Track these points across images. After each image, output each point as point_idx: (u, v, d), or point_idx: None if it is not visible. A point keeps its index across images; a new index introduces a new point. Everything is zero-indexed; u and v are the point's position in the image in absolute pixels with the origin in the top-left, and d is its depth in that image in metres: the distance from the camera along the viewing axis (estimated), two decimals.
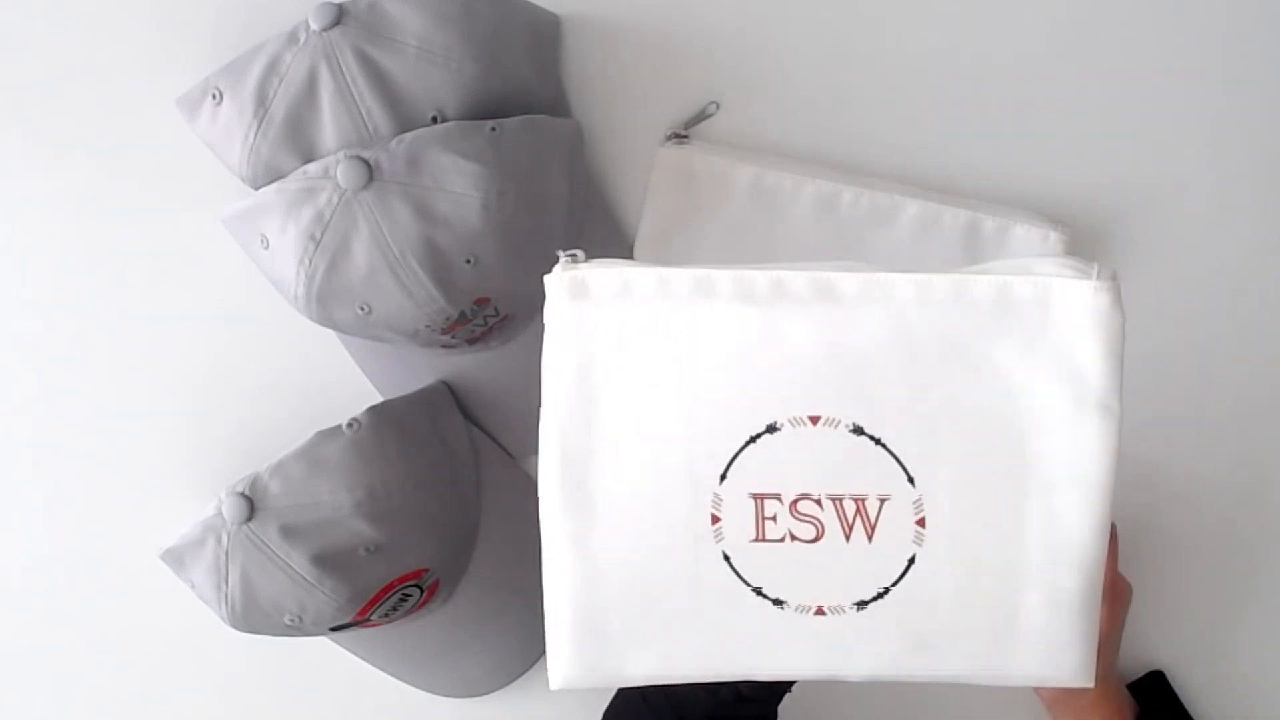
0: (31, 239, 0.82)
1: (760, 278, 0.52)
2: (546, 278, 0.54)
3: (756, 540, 0.53)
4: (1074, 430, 0.51)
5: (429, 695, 0.85)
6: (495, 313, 0.74)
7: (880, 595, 0.54)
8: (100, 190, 0.81)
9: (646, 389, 0.53)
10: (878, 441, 0.52)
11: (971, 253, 0.80)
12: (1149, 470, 0.83)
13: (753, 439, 0.53)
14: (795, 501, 0.53)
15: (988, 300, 0.51)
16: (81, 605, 0.85)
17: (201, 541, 0.73)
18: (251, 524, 0.72)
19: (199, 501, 0.82)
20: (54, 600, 0.85)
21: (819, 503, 0.53)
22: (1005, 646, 0.54)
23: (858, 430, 0.52)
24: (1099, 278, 0.51)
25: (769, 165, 0.80)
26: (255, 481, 0.72)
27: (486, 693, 0.85)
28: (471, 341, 0.77)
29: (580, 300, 0.53)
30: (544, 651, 0.83)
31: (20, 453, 0.84)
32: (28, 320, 0.82)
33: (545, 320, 0.54)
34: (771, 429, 0.52)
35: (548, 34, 0.78)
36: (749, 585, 0.54)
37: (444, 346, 0.77)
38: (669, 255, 0.80)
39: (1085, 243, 0.82)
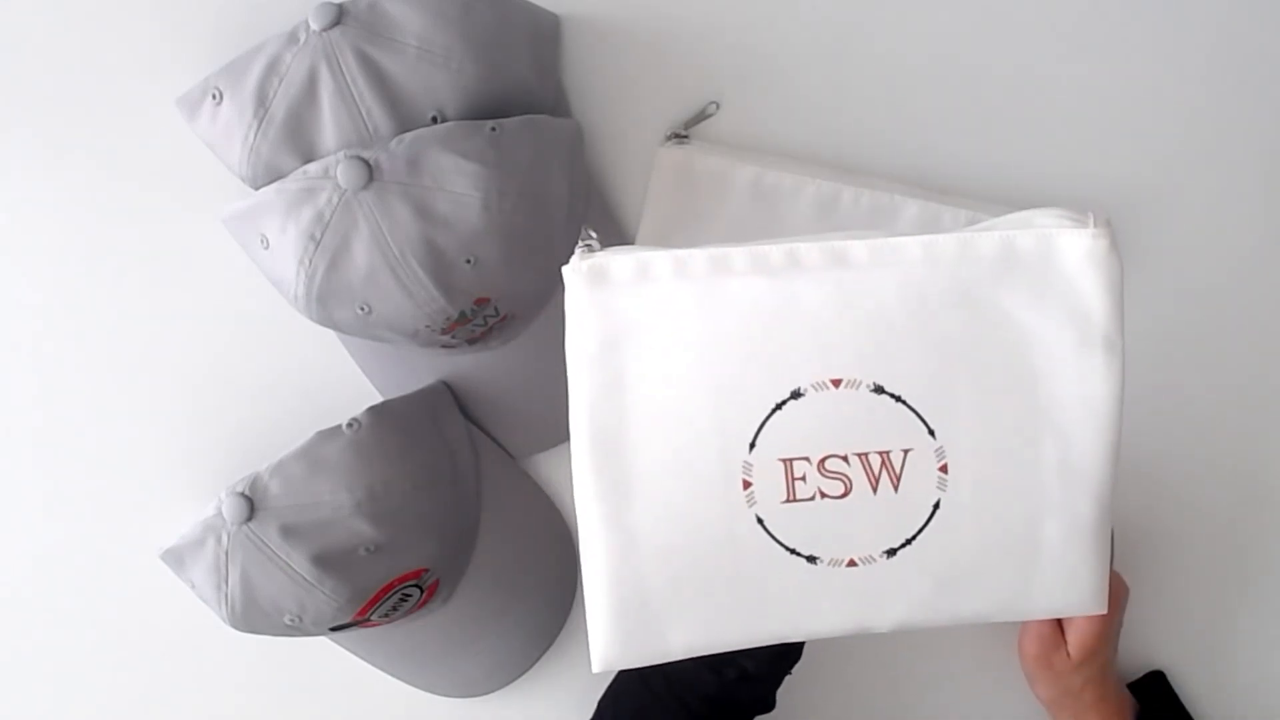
0: (31, 239, 0.82)
1: (774, 250, 0.54)
2: (565, 267, 0.55)
3: (788, 501, 0.55)
4: (1082, 367, 0.54)
5: (429, 695, 0.86)
6: (495, 313, 0.74)
7: (908, 542, 0.56)
8: (100, 190, 0.81)
9: (671, 367, 0.55)
10: (898, 398, 0.55)
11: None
12: (1149, 470, 0.83)
13: (778, 406, 0.55)
14: (823, 461, 0.55)
15: (993, 254, 0.54)
16: (81, 605, 0.85)
17: (201, 541, 0.73)
18: (251, 524, 0.72)
19: (199, 501, 0.82)
20: (54, 600, 0.85)
21: (845, 460, 0.55)
22: (1026, 579, 0.57)
23: (878, 389, 0.55)
24: (1095, 224, 0.54)
25: (769, 165, 0.79)
26: (255, 481, 0.72)
27: (486, 693, 0.85)
28: (471, 341, 0.77)
29: (599, 287, 0.55)
30: (544, 652, 0.84)
31: (20, 453, 0.84)
32: (28, 320, 0.82)
33: (566, 308, 0.55)
34: (796, 395, 0.55)
35: (548, 34, 0.78)
36: (783, 545, 0.56)
37: (444, 346, 0.77)
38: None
39: None
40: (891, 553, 0.56)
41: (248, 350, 0.83)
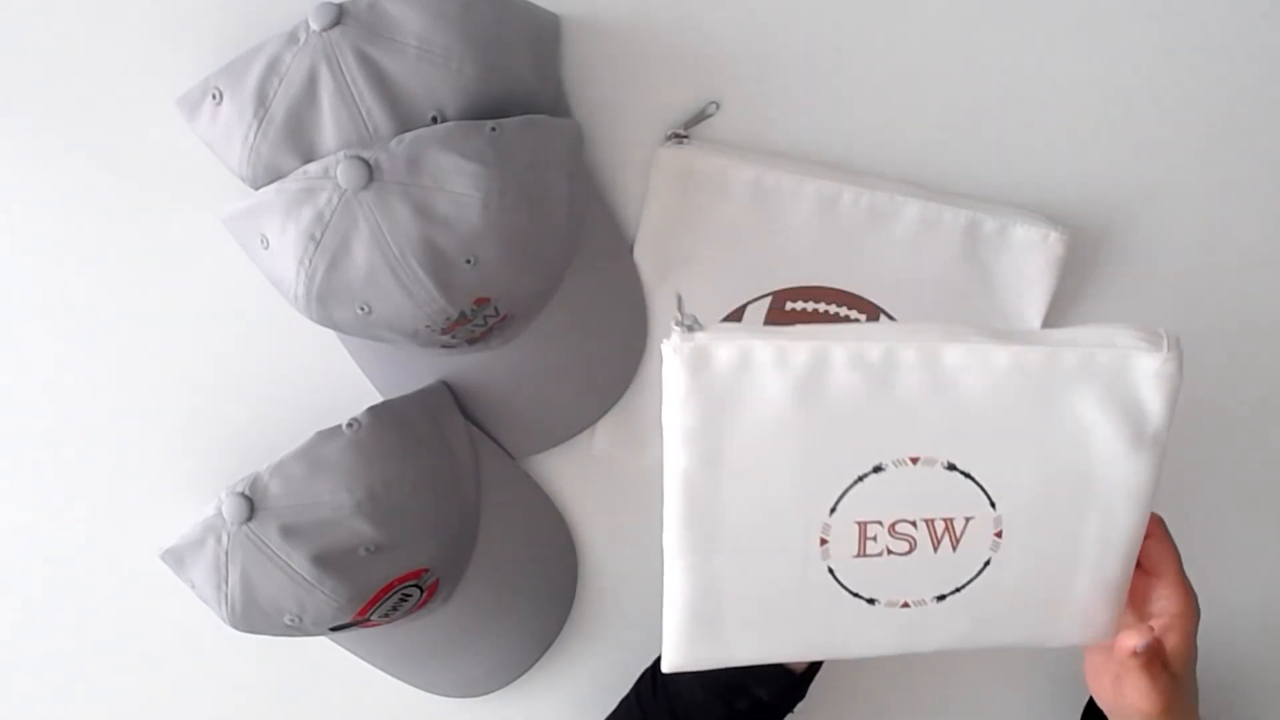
0: (32, 239, 0.82)
1: (873, 349, 0.59)
2: (664, 346, 0.59)
3: (858, 556, 0.62)
4: (1134, 460, 0.60)
5: (429, 695, 0.86)
6: (495, 313, 0.74)
7: (957, 590, 0.63)
8: (101, 190, 0.81)
9: (764, 442, 0.60)
10: (967, 475, 0.61)
11: (971, 253, 0.80)
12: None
13: (860, 478, 0.61)
14: (894, 524, 0.62)
15: (1074, 366, 0.60)
16: (82, 605, 0.85)
17: (201, 541, 0.73)
18: (251, 524, 0.72)
19: (199, 501, 0.82)
20: (55, 599, 0.85)
21: (914, 524, 0.62)
22: (1054, 620, 0.64)
23: (951, 467, 0.61)
24: (1169, 349, 0.59)
25: (769, 165, 0.80)
26: (255, 481, 0.72)
27: (486, 693, 0.85)
28: (471, 342, 0.77)
29: (701, 372, 0.58)
30: (544, 652, 0.84)
31: (21, 453, 0.84)
32: (28, 320, 0.82)
33: (665, 385, 0.59)
34: (877, 469, 0.61)
35: (548, 34, 0.78)
36: (848, 590, 0.63)
37: (444, 346, 0.77)
38: (668, 254, 0.81)
39: (1085, 243, 0.82)
40: (941, 598, 0.64)
41: (248, 350, 0.83)
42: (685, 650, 0.64)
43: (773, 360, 0.59)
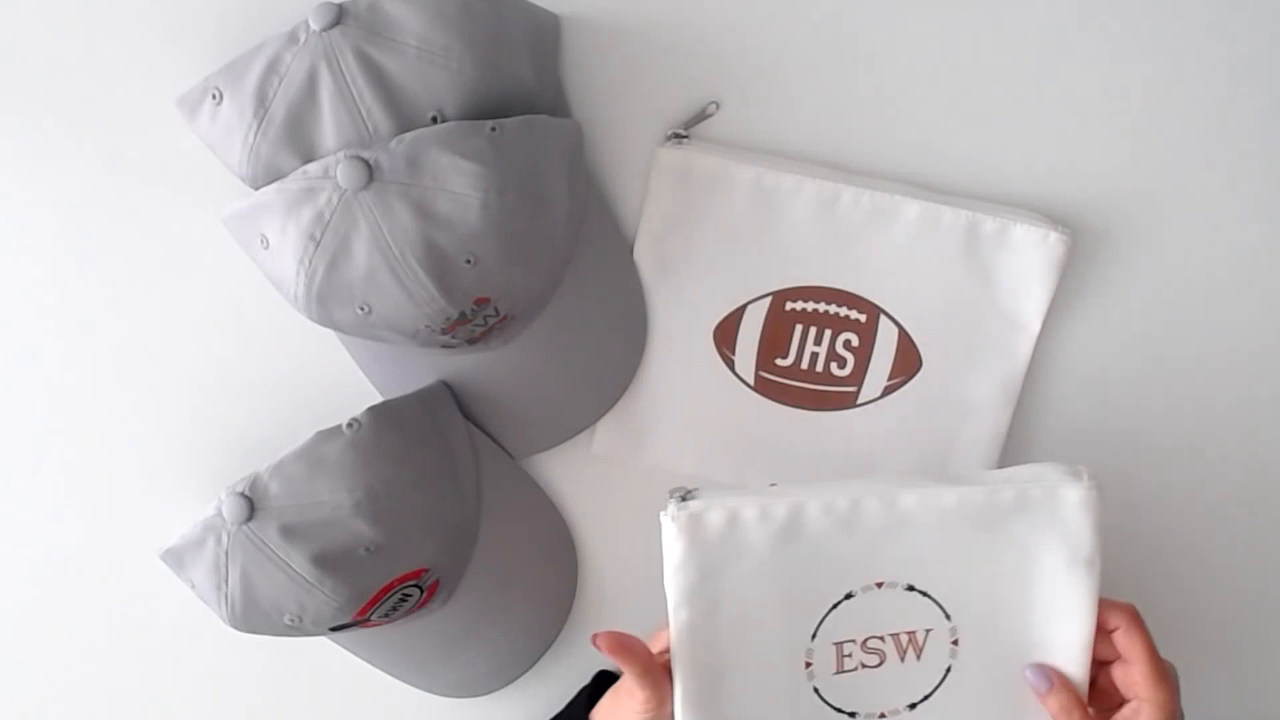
0: (31, 239, 0.82)
1: (842, 502, 0.69)
2: (662, 516, 0.68)
3: (837, 672, 0.71)
4: (1068, 578, 0.69)
5: (429, 695, 0.86)
6: (495, 313, 0.74)
7: (926, 698, 0.73)
8: (101, 190, 0.81)
9: (753, 588, 0.69)
10: (925, 594, 0.71)
11: (971, 253, 0.80)
12: (1148, 470, 0.83)
13: (835, 605, 0.70)
14: (865, 641, 0.71)
15: (1011, 501, 0.69)
16: (81, 605, 0.85)
17: (201, 541, 0.73)
18: (251, 524, 0.72)
19: (198, 502, 0.83)
20: (54, 600, 0.85)
21: (882, 639, 0.72)
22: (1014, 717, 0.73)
23: (910, 588, 0.71)
24: (1088, 479, 0.68)
25: (769, 165, 0.80)
26: (255, 481, 0.72)
27: (486, 693, 0.85)
28: (471, 342, 0.77)
29: (695, 535, 0.68)
30: (543, 652, 0.84)
31: (20, 453, 0.84)
32: (28, 320, 0.82)
33: (664, 548, 0.68)
34: (849, 596, 0.70)
35: (548, 34, 0.78)
36: (832, 706, 0.72)
37: (444, 346, 0.77)
38: (668, 254, 0.81)
39: (1086, 243, 0.82)
40: (913, 706, 0.73)
41: (247, 350, 0.83)
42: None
43: (757, 518, 0.69)
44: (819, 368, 0.81)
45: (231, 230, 0.75)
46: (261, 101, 0.71)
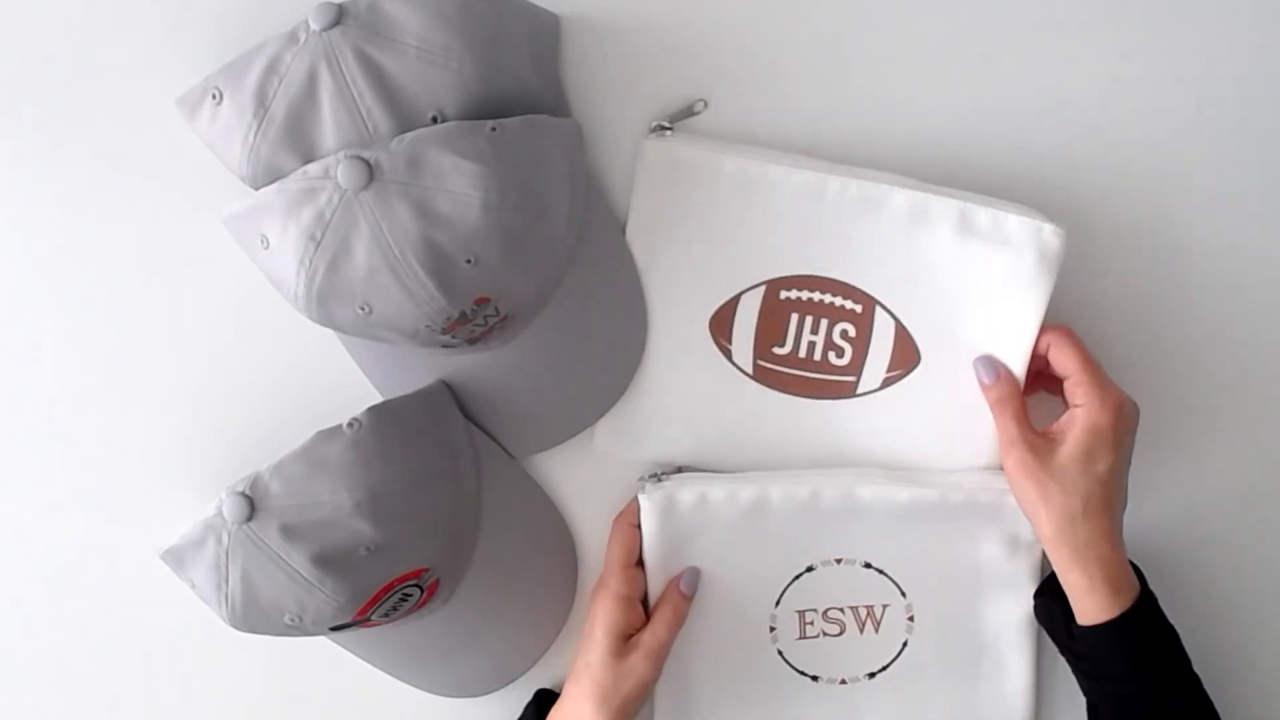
0: (32, 240, 0.82)
1: (803, 490, 0.79)
2: (640, 497, 0.80)
3: (800, 638, 0.82)
4: (1011, 562, 0.81)
5: (429, 695, 0.86)
6: (495, 312, 0.74)
7: (884, 668, 0.82)
8: (101, 191, 0.81)
9: (723, 559, 0.80)
10: (881, 571, 0.81)
11: (964, 246, 0.78)
12: (1149, 471, 0.83)
13: (796, 577, 0.81)
14: (826, 611, 0.81)
15: (960, 503, 0.79)
16: (82, 605, 0.85)
17: (202, 541, 0.73)
18: (252, 523, 0.72)
19: (198, 502, 0.82)
20: (54, 599, 0.85)
21: (842, 610, 0.81)
22: (972, 697, 0.83)
23: (868, 565, 0.81)
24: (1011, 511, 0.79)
25: (754, 157, 0.79)
26: (256, 481, 0.72)
27: (486, 693, 0.85)
28: (472, 341, 0.77)
29: (670, 513, 0.79)
30: (543, 653, 0.84)
31: (20, 452, 0.84)
32: (29, 320, 0.82)
33: (642, 524, 0.80)
34: (809, 569, 0.81)
35: (547, 34, 0.78)
36: (794, 668, 0.82)
37: (444, 346, 0.77)
38: (659, 247, 0.80)
39: (1086, 243, 0.82)
40: (872, 675, 0.82)
41: (248, 350, 0.83)
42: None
43: (724, 499, 0.78)
44: (817, 356, 0.81)
45: (232, 231, 0.75)
46: (261, 101, 0.71)
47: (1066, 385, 0.76)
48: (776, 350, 0.81)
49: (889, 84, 0.82)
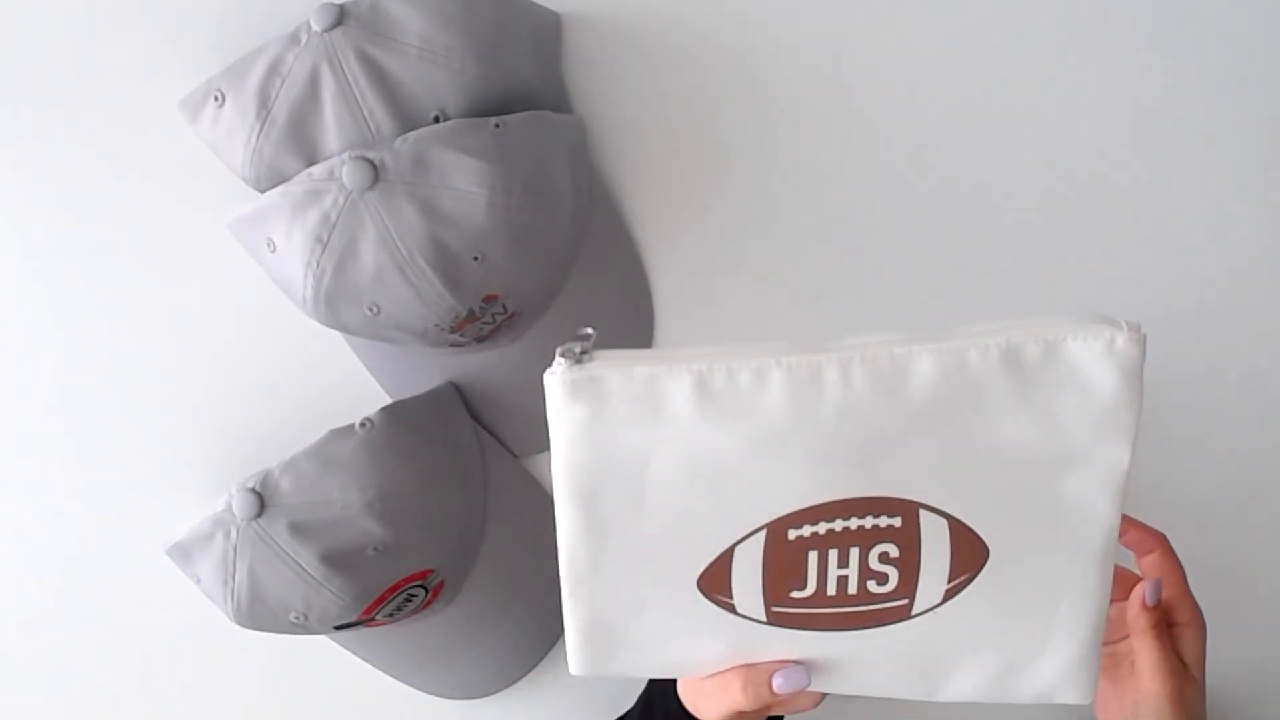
0: (35, 242, 0.82)
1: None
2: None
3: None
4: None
5: (429, 696, 0.86)
6: (503, 310, 0.74)
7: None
8: (105, 193, 0.81)
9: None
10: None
11: (1021, 398, 0.54)
12: (1149, 470, 0.84)
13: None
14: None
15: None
16: (91, 602, 0.85)
17: (210, 536, 0.73)
18: (261, 520, 0.72)
19: (203, 503, 0.82)
20: (61, 597, 0.85)
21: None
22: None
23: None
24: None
25: (709, 360, 0.54)
26: (266, 478, 0.73)
27: (487, 694, 0.85)
28: (480, 340, 0.77)
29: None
30: (545, 654, 0.84)
31: (33, 450, 0.84)
32: (34, 321, 0.82)
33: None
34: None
35: (548, 32, 0.78)
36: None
37: (452, 345, 0.77)
38: (608, 515, 0.56)
39: (1087, 242, 0.83)
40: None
41: (254, 350, 0.83)
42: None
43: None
44: (851, 590, 0.58)
45: (237, 235, 0.75)
46: (264, 103, 0.71)
47: (1169, 594, 0.69)
48: (796, 594, 0.58)
49: (889, 82, 0.82)
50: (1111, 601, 0.60)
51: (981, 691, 0.59)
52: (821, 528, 0.57)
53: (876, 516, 0.57)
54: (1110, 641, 0.69)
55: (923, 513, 0.57)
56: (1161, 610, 0.67)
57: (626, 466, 0.54)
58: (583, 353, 0.54)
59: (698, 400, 0.54)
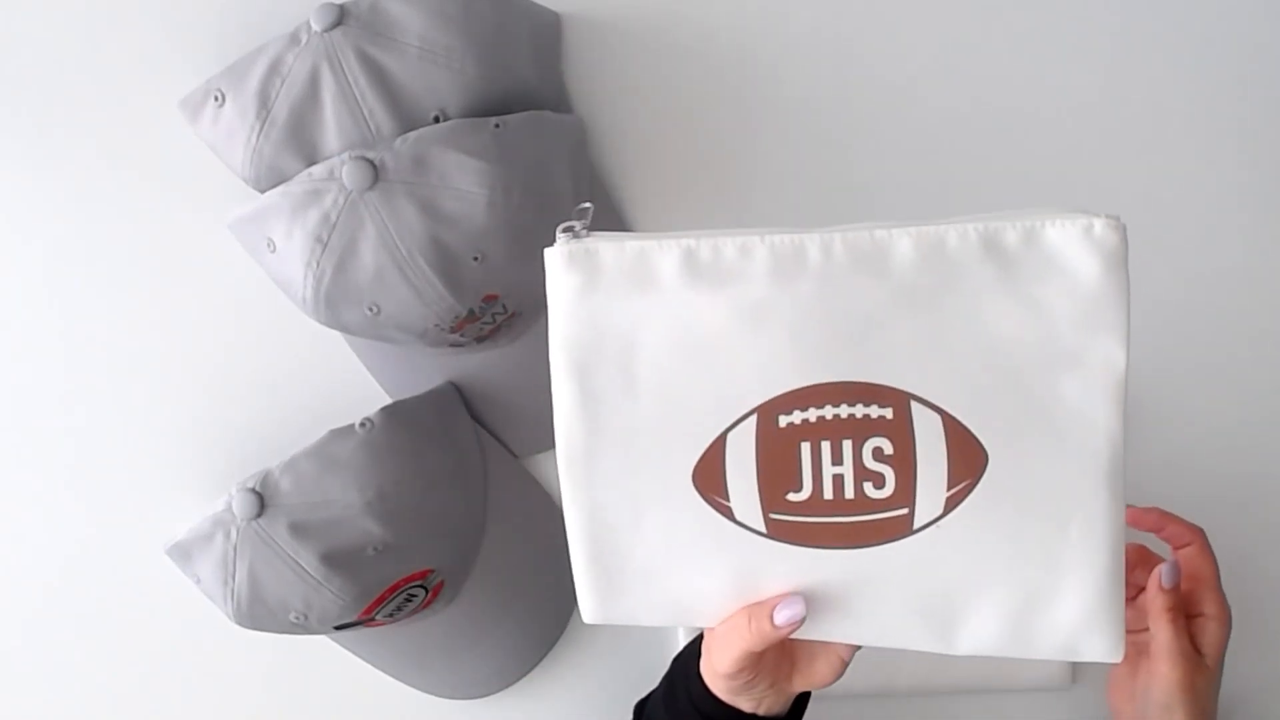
0: (36, 242, 0.82)
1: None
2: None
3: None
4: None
5: (429, 696, 0.86)
6: (503, 309, 0.74)
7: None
8: (105, 193, 0.81)
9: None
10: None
11: (1002, 285, 0.55)
12: (1150, 471, 0.84)
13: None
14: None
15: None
16: (88, 603, 0.85)
17: (210, 536, 0.73)
18: (261, 520, 0.72)
19: (202, 504, 0.82)
20: (61, 598, 0.85)
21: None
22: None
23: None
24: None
25: (698, 235, 0.56)
26: (266, 478, 0.73)
27: (487, 694, 0.85)
28: (480, 340, 0.77)
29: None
30: (545, 654, 0.84)
31: (33, 449, 0.84)
32: (35, 321, 0.82)
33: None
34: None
35: (548, 31, 0.78)
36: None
37: (452, 345, 0.77)
38: (601, 392, 0.57)
39: None
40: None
41: (253, 350, 0.83)
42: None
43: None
44: (849, 493, 0.57)
45: (237, 235, 0.75)
46: (264, 103, 0.71)
47: (1197, 588, 0.69)
48: (792, 497, 0.57)
49: (889, 82, 0.83)
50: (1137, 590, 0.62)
51: (1002, 640, 0.57)
52: (812, 414, 0.56)
53: (867, 405, 0.56)
54: (1134, 631, 0.69)
55: (914, 405, 0.56)
56: (1180, 595, 0.66)
57: (619, 340, 0.56)
58: (582, 228, 0.56)
59: (685, 270, 0.55)
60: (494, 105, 0.72)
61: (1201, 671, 0.67)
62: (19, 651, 0.85)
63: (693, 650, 0.66)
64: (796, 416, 0.56)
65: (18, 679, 0.86)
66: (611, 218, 0.81)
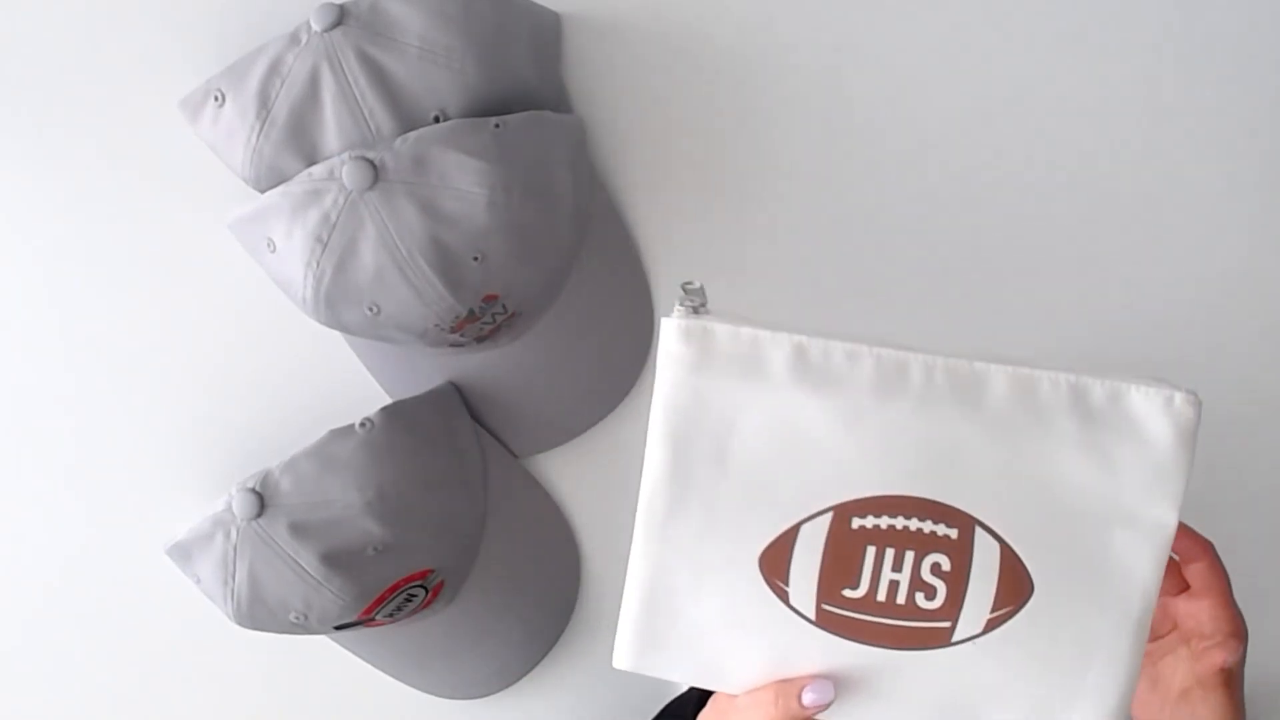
0: (35, 242, 0.82)
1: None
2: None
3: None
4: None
5: (429, 696, 0.86)
6: (503, 310, 0.74)
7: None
8: (105, 193, 0.81)
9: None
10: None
11: (1080, 435, 0.59)
12: None
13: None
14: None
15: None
16: (88, 603, 0.85)
17: (210, 536, 0.73)
18: (261, 520, 0.72)
19: (202, 504, 0.82)
20: (60, 598, 0.85)
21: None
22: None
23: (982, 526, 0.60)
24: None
25: (808, 333, 0.59)
26: (266, 478, 0.73)
27: (487, 694, 0.85)
28: (480, 340, 0.77)
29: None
30: (545, 654, 0.84)
31: (33, 450, 0.84)
32: (35, 321, 0.82)
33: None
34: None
35: (549, 31, 0.78)
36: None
37: (452, 345, 0.77)
38: (693, 463, 0.60)
39: (1088, 242, 0.83)
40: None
41: (253, 350, 0.83)
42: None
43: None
44: (900, 599, 0.60)
45: (237, 235, 0.75)
46: (264, 103, 0.71)
47: (1207, 604, 0.69)
48: (848, 593, 0.60)
49: (890, 82, 0.83)
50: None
51: None
52: (884, 521, 0.59)
53: (936, 523, 0.59)
54: (1153, 638, 0.69)
55: (978, 530, 0.59)
56: (1235, 674, 0.67)
57: (719, 417, 0.58)
58: (700, 305, 0.58)
59: (794, 366, 0.58)
60: (494, 105, 0.72)
61: (1240, 713, 0.68)
62: (19, 651, 0.86)
63: (683, 708, 0.69)
64: (869, 521, 0.59)
65: (18, 679, 0.86)
66: (612, 218, 0.81)
